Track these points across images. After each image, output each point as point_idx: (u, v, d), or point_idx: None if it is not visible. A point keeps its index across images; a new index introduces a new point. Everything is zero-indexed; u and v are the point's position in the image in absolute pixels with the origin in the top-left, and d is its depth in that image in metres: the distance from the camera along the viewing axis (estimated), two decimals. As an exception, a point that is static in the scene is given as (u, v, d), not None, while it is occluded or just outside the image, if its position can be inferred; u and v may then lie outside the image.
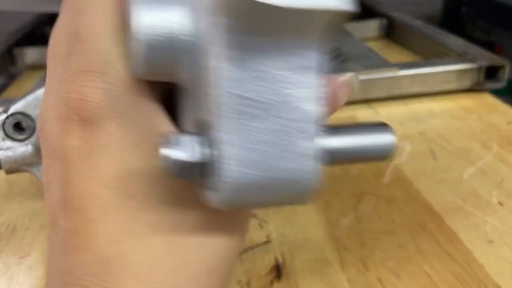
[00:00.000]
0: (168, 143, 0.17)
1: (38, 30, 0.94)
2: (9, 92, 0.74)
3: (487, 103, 0.61)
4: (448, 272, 0.34)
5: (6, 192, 0.47)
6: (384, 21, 0.89)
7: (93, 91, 0.19)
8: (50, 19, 1.04)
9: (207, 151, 0.17)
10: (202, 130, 0.18)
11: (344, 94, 0.22)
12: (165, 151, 0.17)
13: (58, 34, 0.21)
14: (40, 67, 0.81)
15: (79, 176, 0.19)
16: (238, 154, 0.17)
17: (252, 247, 0.37)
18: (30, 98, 0.37)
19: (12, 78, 0.82)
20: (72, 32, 0.20)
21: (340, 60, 0.67)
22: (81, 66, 0.19)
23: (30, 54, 0.83)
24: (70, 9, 0.21)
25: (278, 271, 0.35)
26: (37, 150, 0.37)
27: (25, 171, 0.38)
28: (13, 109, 0.36)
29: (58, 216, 0.19)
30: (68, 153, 0.19)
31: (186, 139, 0.17)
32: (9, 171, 0.38)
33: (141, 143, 0.19)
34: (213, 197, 0.18)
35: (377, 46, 0.78)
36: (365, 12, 0.94)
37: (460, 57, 0.67)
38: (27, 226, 0.41)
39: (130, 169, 0.19)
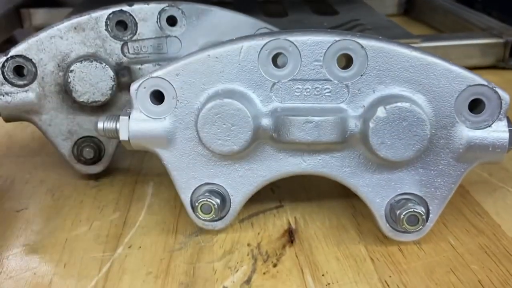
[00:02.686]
0: None
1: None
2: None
3: (511, 81, 0.58)
4: (475, 245, 0.31)
5: (7, 146, 0.44)
6: (403, -5, 0.86)
7: None
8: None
9: None
10: None
11: None
12: None
13: None
14: (47, 28, 0.78)
15: None
16: None
17: (263, 211, 0.35)
18: (32, 41, 0.34)
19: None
20: None
21: (357, 30, 0.64)
22: None
23: (38, 15, 0.80)
24: None
25: (290, 235, 0.33)
26: (38, 98, 0.35)
27: (25, 119, 0.36)
28: (13, 51, 0.34)
29: None
30: None
31: None
32: (7, 119, 0.36)
33: None
34: None
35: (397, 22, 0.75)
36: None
37: (485, 31, 0.64)
38: (27, 180, 0.39)
39: None
